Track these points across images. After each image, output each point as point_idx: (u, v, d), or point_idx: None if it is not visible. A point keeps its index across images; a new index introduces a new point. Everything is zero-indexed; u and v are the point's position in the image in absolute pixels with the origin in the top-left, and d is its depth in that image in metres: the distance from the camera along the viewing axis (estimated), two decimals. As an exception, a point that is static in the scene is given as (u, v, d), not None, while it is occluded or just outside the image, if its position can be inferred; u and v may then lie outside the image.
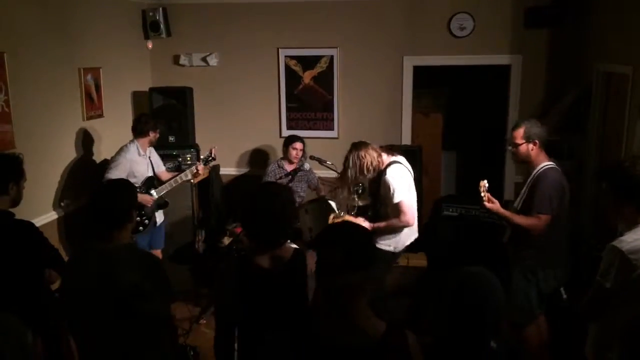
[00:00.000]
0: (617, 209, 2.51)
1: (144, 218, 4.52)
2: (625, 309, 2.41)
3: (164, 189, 4.61)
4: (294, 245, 3.85)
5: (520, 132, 3.40)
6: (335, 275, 1.62)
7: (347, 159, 3.77)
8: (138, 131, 4.55)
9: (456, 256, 4.45)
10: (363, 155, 3.69)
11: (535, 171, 3.42)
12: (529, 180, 3.45)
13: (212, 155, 4.77)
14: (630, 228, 2.44)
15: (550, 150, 5.03)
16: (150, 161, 4.68)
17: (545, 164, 3.43)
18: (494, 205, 3.41)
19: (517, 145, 3.42)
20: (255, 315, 2.18)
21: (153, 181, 4.60)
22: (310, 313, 1.98)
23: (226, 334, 2.25)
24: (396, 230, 3.80)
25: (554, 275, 3.45)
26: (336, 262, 1.61)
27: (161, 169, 4.88)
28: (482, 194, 3.41)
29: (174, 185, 4.65)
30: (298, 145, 5.11)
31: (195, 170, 4.70)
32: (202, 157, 4.82)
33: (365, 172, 3.70)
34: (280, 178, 5.04)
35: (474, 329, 1.81)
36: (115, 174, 4.31)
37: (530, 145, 3.41)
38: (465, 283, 1.88)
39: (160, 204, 4.65)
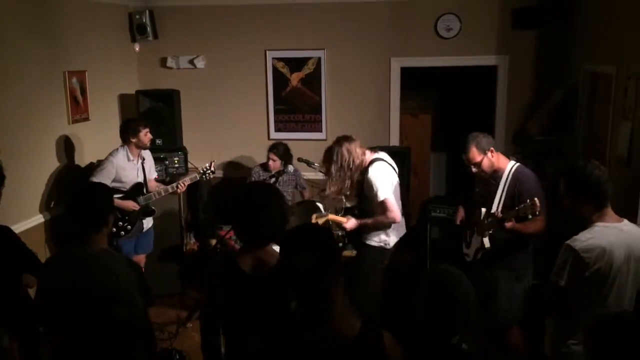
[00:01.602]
0: (575, 207, 2.57)
1: (126, 224, 4.47)
2: (581, 306, 2.48)
3: (151, 198, 4.54)
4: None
5: (473, 150, 3.37)
6: (305, 279, 1.60)
7: (331, 152, 3.74)
8: (121, 138, 4.50)
9: (442, 256, 4.46)
10: (346, 151, 3.68)
11: (506, 173, 3.39)
12: (501, 183, 3.38)
13: (212, 169, 4.70)
14: (587, 226, 2.51)
15: (538, 150, 5.10)
16: (143, 167, 4.59)
17: (512, 163, 3.43)
18: (513, 223, 3.25)
19: (479, 163, 3.38)
20: (237, 317, 2.17)
21: (141, 188, 4.52)
22: (288, 317, 1.96)
23: (211, 334, 2.26)
24: (384, 226, 3.80)
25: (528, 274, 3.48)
26: (304, 267, 1.59)
27: (152, 176, 4.79)
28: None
29: (163, 194, 4.58)
30: (272, 155, 5.03)
31: (175, 189, 4.57)
32: (201, 168, 4.71)
33: (348, 168, 3.68)
34: (264, 180, 5.02)
35: (442, 323, 1.82)
36: (99, 178, 4.25)
37: (489, 154, 3.39)
38: (433, 279, 1.90)
39: (146, 211, 4.58)
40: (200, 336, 2.32)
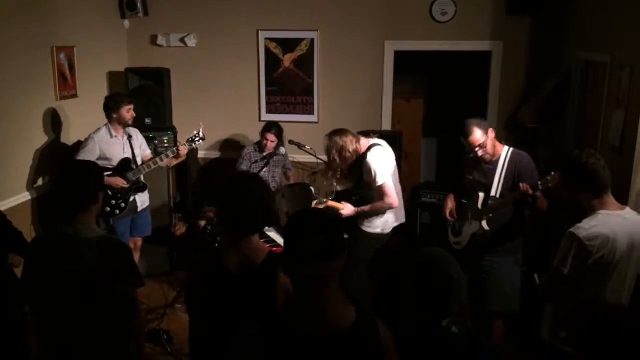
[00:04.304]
0: (573, 196, 2.57)
1: (119, 201, 4.41)
2: (581, 293, 2.50)
3: (140, 172, 4.46)
4: (274, 234, 3.85)
5: (476, 132, 3.34)
6: (305, 264, 1.57)
7: (326, 147, 3.78)
8: (105, 114, 4.41)
9: (432, 241, 4.46)
10: (340, 140, 3.70)
11: (502, 156, 3.40)
12: (499, 166, 3.38)
13: (201, 135, 4.58)
14: (589, 214, 2.51)
15: (529, 137, 5.10)
16: (130, 143, 4.49)
17: (507, 147, 3.45)
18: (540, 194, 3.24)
19: (484, 144, 3.36)
20: (224, 313, 2.13)
21: (129, 163, 4.44)
22: (277, 310, 1.93)
23: (198, 333, 2.22)
24: (381, 212, 3.79)
25: None
26: (307, 252, 1.56)
27: (146, 152, 4.70)
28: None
29: (152, 167, 4.48)
30: (270, 136, 4.96)
31: (176, 152, 4.53)
32: (188, 137, 4.61)
33: (345, 156, 3.70)
34: (256, 161, 4.98)
35: (430, 305, 1.83)
36: (82, 156, 4.18)
37: (490, 134, 3.39)
38: (421, 261, 1.90)
39: (138, 187, 4.50)
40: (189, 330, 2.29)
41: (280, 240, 3.80)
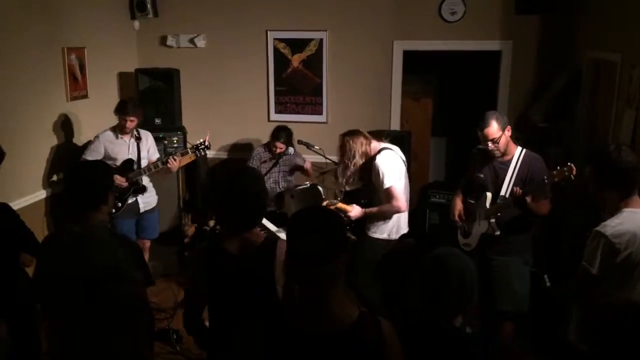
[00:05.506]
0: (600, 194, 2.52)
1: (116, 201, 4.37)
2: (611, 292, 2.42)
3: (141, 174, 4.44)
4: (273, 227, 3.87)
5: (494, 125, 3.31)
6: (309, 264, 1.58)
7: (338, 147, 3.80)
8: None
9: (441, 242, 4.44)
10: (352, 142, 3.71)
11: (515, 157, 3.40)
12: (511, 167, 3.38)
13: (206, 143, 4.47)
14: (613, 214, 2.46)
15: (539, 136, 5.07)
16: (138, 145, 4.51)
17: (520, 148, 3.43)
18: (531, 200, 3.25)
19: (497, 140, 3.33)
20: (227, 301, 2.17)
21: (131, 164, 4.44)
22: (278, 301, 1.95)
23: (192, 318, 2.29)
24: (388, 216, 3.79)
25: None
26: (310, 251, 1.57)
27: (153, 157, 4.66)
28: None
29: (153, 170, 4.44)
30: (279, 144, 4.94)
31: (166, 164, 4.39)
32: (194, 144, 4.55)
33: (355, 158, 3.71)
34: (265, 161, 4.99)
35: (444, 304, 1.83)
36: (88, 156, 4.24)
37: (506, 132, 3.37)
38: (436, 259, 1.90)
39: (137, 188, 4.48)
40: (183, 317, 2.33)
41: (272, 227, 3.83)
